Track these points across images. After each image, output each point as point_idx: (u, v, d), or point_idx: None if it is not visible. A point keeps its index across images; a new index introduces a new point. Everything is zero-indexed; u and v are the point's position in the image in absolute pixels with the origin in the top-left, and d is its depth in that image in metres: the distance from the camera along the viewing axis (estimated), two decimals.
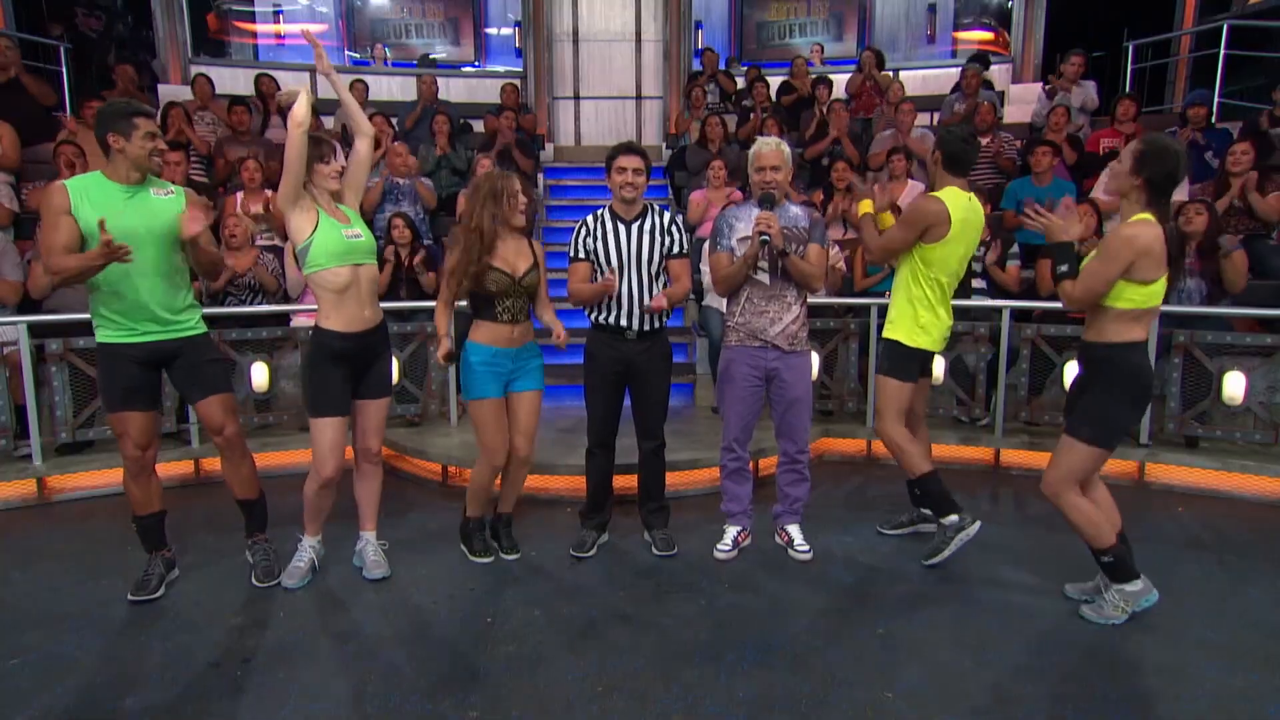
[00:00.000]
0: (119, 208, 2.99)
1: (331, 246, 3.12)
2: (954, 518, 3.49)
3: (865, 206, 3.71)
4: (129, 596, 3.19)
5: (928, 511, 3.79)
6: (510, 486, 3.66)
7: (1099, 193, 5.78)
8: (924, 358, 3.57)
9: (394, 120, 7.29)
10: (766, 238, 3.29)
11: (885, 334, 3.58)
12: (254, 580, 3.34)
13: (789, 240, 3.42)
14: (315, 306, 3.28)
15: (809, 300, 3.65)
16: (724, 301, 3.70)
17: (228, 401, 3.28)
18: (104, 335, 3.11)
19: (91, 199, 2.98)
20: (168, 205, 3.11)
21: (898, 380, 3.54)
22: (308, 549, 3.44)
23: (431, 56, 10.40)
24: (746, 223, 3.47)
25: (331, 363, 3.20)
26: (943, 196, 3.38)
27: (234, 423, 3.30)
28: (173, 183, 3.25)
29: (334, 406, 3.22)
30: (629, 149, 3.47)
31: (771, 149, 3.45)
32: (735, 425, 3.64)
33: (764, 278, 3.50)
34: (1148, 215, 2.84)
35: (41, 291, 4.85)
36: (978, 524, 3.49)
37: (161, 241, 3.06)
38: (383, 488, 3.55)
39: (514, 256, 3.38)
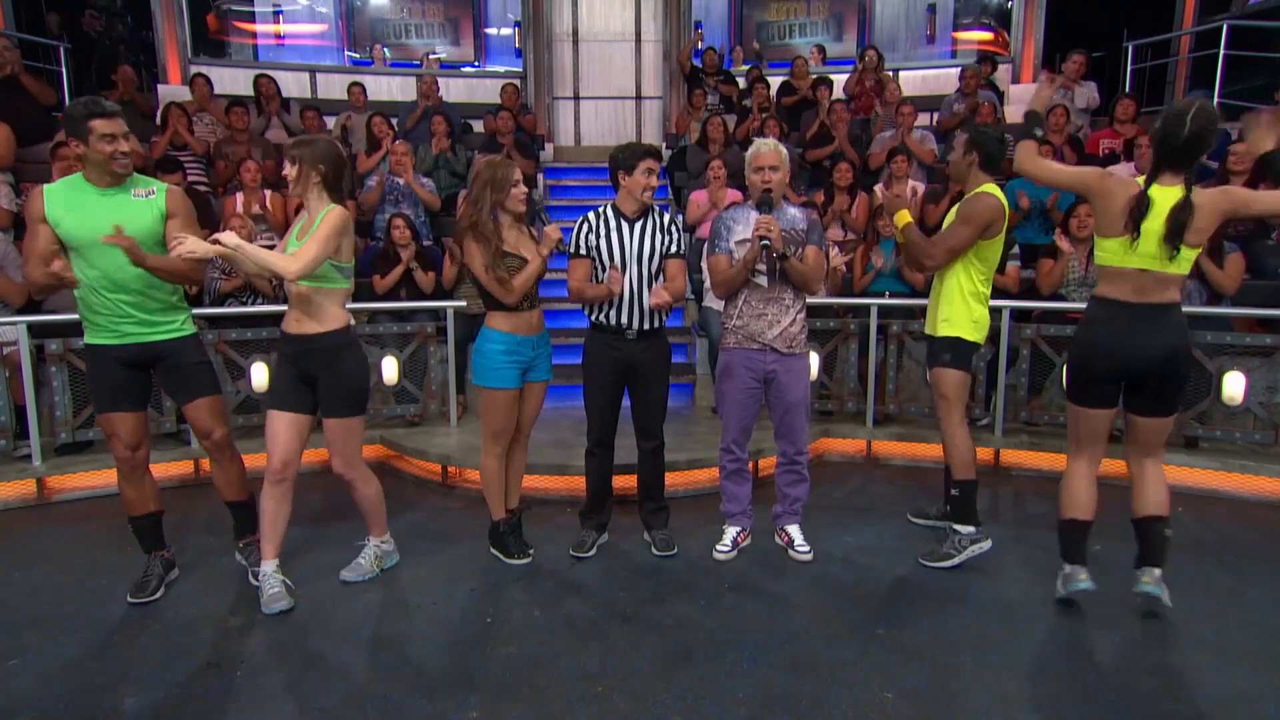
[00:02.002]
0: (92, 210, 2.96)
1: None
2: (973, 529, 3.54)
3: (904, 217, 3.59)
4: (128, 598, 3.19)
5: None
6: (514, 475, 3.66)
7: None
8: (975, 350, 3.63)
9: (393, 120, 7.29)
10: (767, 241, 3.29)
11: (941, 332, 3.55)
12: (250, 579, 3.34)
13: (787, 242, 3.42)
14: None
15: (809, 301, 3.64)
16: (723, 302, 3.70)
17: (215, 404, 3.25)
18: (90, 336, 3.10)
19: (66, 203, 2.96)
20: (144, 207, 3.04)
21: (961, 371, 3.55)
22: (271, 577, 3.17)
23: (433, 56, 10.41)
24: (744, 225, 3.46)
25: (281, 359, 3.24)
26: (994, 192, 3.43)
27: (221, 426, 3.27)
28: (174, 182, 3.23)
29: (279, 400, 3.20)
30: (656, 153, 3.48)
31: (769, 149, 3.45)
32: (733, 427, 3.64)
33: (762, 280, 3.49)
34: (1140, 179, 2.91)
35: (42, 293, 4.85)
36: (989, 543, 3.53)
37: (139, 244, 2.97)
38: (381, 490, 3.49)
39: (523, 243, 3.42)
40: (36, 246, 2.95)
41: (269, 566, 3.19)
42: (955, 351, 3.54)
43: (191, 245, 2.82)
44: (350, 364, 3.23)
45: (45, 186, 3.01)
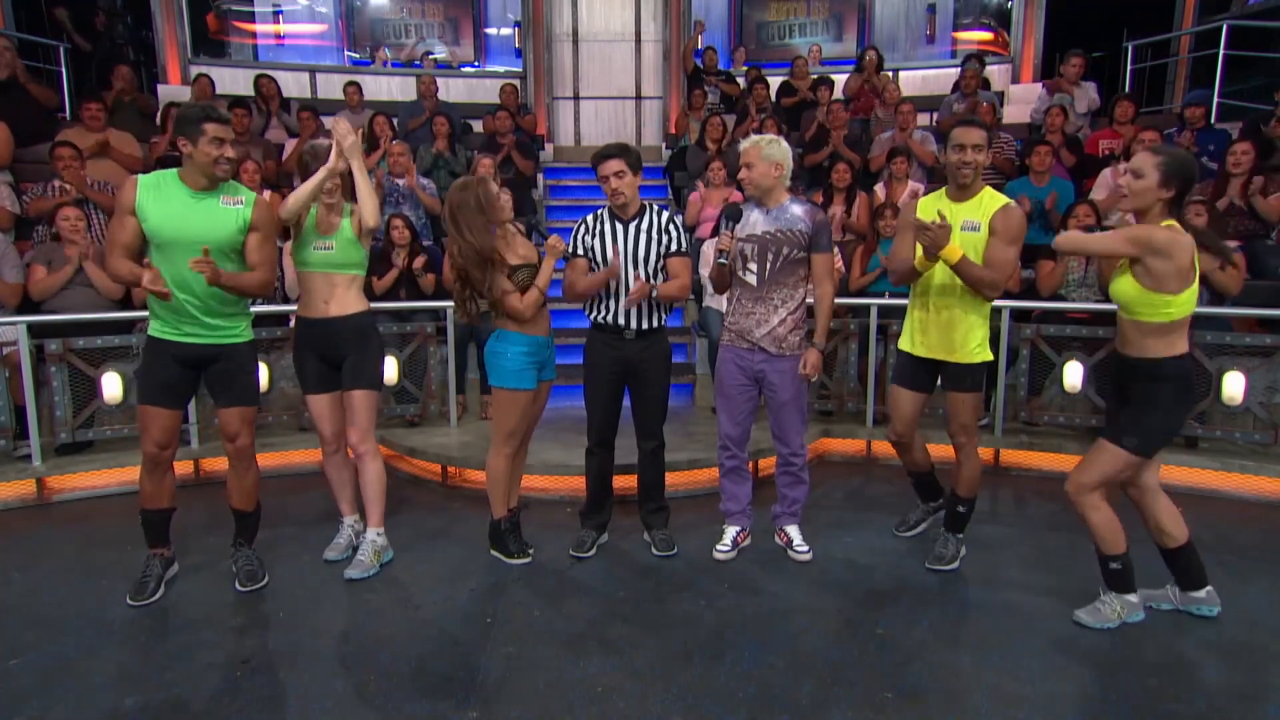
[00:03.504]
0: (182, 211, 3.04)
1: (299, 255, 3.41)
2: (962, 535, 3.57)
3: (956, 253, 3.13)
4: (128, 600, 3.18)
5: (933, 505, 3.82)
6: (516, 476, 3.69)
7: (1098, 195, 5.78)
8: None
9: (394, 120, 7.29)
10: (724, 260, 3.37)
11: (977, 359, 3.34)
12: (237, 585, 3.33)
13: (784, 244, 3.40)
14: None
15: (809, 301, 3.62)
16: (724, 301, 3.70)
17: (248, 414, 3.32)
18: (152, 329, 3.17)
19: (157, 198, 3.02)
20: (231, 216, 3.11)
21: (980, 393, 3.49)
22: (346, 528, 3.71)
23: (433, 57, 10.41)
24: (741, 223, 3.46)
25: (299, 345, 3.51)
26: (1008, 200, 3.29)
27: (248, 434, 3.32)
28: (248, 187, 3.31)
29: (315, 385, 3.52)
30: (604, 155, 3.43)
31: (748, 145, 3.44)
32: (727, 423, 3.63)
33: (751, 279, 3.48)
34: (1173, 223, 2.78)
35: (41, 294, 4.85)
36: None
37: (216, 251, 3.06)
38: (385, 474, 3.59)
39: (521, 247, 3.46)
40: (121, 238, 3.03)
41: (347, 520, 3.72)
42: (977, 374, 3.41)
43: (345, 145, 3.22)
44: (375, 342, 3.56)
45: (139, 176, 3.06)
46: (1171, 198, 2.78)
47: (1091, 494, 2.94)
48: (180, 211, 3.03)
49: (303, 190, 3.26)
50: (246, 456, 3.34)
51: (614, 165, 3.41)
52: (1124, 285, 2.83)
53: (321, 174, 3.25)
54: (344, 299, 3.43)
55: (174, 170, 3.10)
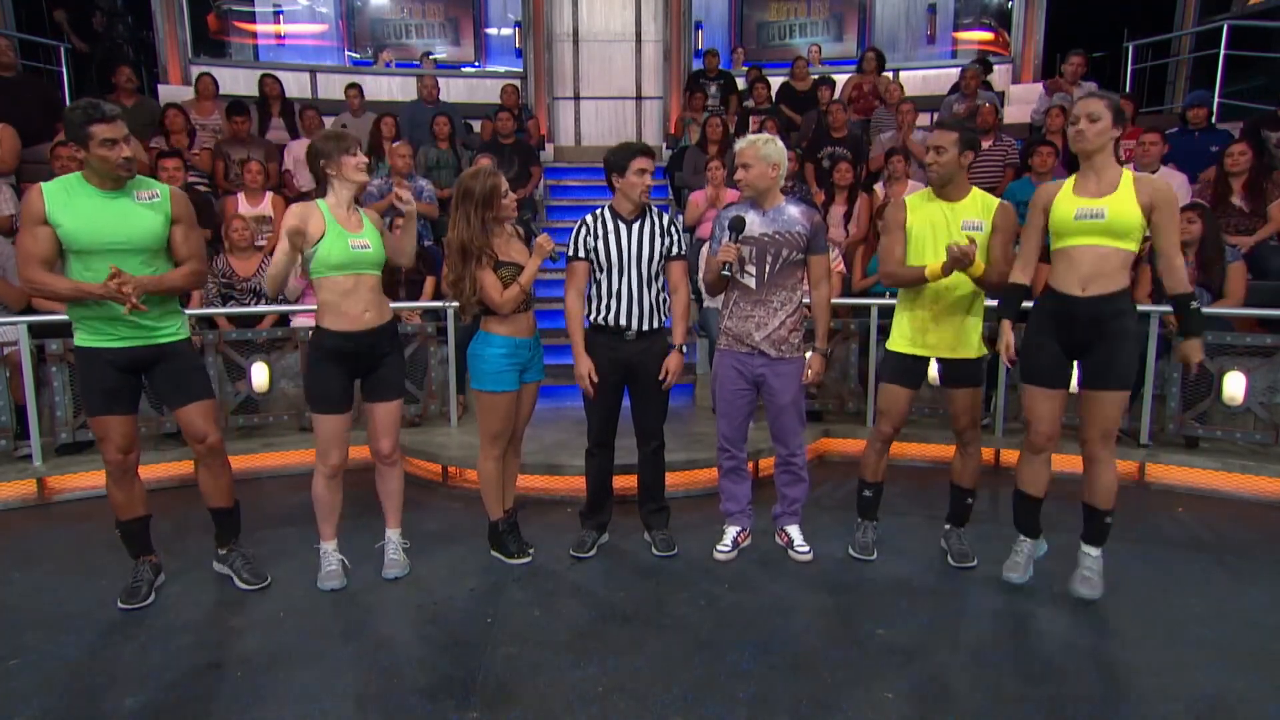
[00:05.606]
0: (96, 214, 2.88)
1: (334, 258, 3.11)
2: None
3: (980, 267, 3.20)
4: (119, 604, 3.15)
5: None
6: (510, 477, 3.68)
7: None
8: None
9: (396, 120, 7.29)
10: (728, 272, 3.35)
11: (979, 354, 3.43)
12: (238, 584, 3.32)
13: (783, 246, 3.40)
14: (314, 307, 3.30)
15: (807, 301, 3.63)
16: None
17: (209, 409, 3.19)
18: (81, 339, 3.00)
19: (68, 205, 2.86)
20: (149, 212, 2.97)
21: None
22: (331, 555, 3.39)
23: (432, 57, 10.42)
24: (742, 233, 3.45)
25: (328, 361, 3.20)
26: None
27: (215, 430, 3.22)
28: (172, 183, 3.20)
29: (329, 403, 3.23)
30: (642, 150, 3.44)
31: (744, 145, 3.41)
32: (726, 426, 3.63)
33: (750, 281, 3.47)
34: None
35: (37, 300, 4.84)
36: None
37: (140, 250, 2.95)
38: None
39: (515, 252, 3.44)
40: (37, 249, 2.85)
41: (329, 546, 3.39)
42: (982, 369, 3.47)
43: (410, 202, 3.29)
44: (400, 346, 3.45)
45: (44, 186, 2.88)
46: (1118, 136, 3.01)
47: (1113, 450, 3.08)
48: (95, 215, 2.87)
49: (277, 259, 3.07)
50: (219, 455, 3.24)
51: (650, 163, 3.44)
52: (1134, 212, 2.93)
53: (283, 252, 3.03)
54: (380, 304, 3.26)
55: (77, 175, 2.91)
